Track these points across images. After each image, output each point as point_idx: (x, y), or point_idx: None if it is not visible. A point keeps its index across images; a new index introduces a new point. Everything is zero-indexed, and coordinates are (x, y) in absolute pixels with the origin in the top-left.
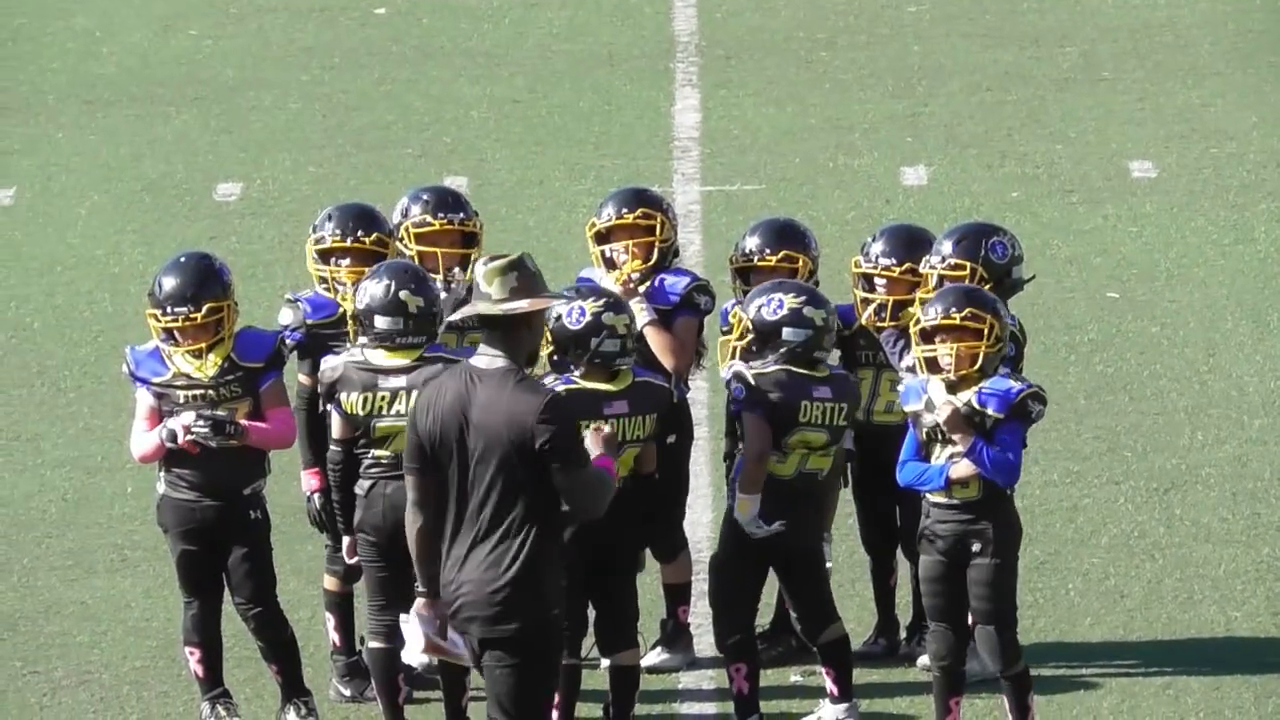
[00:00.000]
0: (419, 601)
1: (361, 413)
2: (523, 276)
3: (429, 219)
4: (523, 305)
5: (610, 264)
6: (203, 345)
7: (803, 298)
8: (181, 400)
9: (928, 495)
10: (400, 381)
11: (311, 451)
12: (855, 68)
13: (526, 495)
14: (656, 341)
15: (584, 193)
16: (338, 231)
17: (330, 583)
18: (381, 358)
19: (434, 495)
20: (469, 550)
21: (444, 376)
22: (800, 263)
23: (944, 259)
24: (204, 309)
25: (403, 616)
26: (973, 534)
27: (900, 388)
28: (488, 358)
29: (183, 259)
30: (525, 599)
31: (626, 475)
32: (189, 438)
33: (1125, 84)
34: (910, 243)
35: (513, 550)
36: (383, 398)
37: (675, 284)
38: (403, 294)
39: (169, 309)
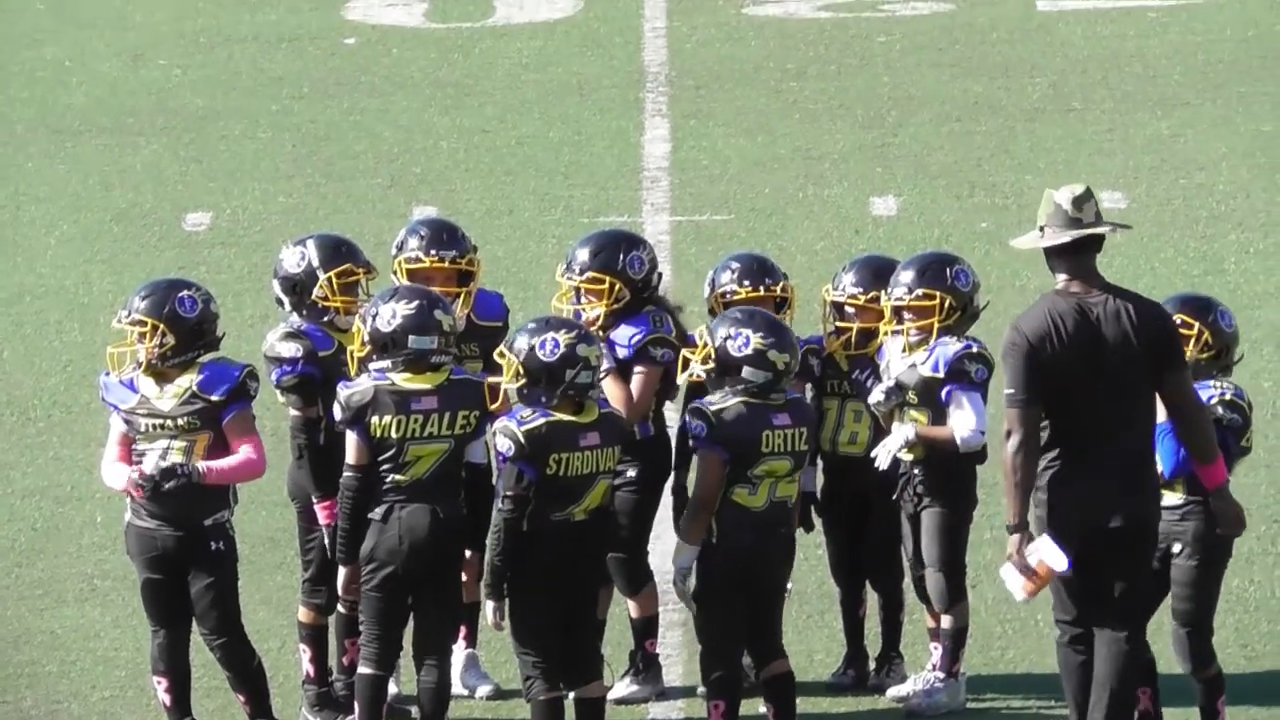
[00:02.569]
0: (1014, 539)
1: (395, 435)
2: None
3: (420, 255)
4: (1107, 228)
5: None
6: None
7: (770, 339)
8: (143, 429)
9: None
10: (432, 403)
11: (324, 484)
12: (825, 98)
13: (1150, 400)
14: (611, 392)
15: (553, 223)
16: (362, 263)
17: (306, 615)
18: (406, 381)
19: (1038, 427)
20: (1105, 462)
21: (1043, 307)
22: (791, 292)
23: (909, 290)
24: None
25: (1005, 568)
26: (1175, 535)
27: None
28: (1080, 283)
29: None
30: (1157, 495)
31: (596, 508)
32: (140, 485)
33: (1094, 115)
34: (879, 273)
35: (1146, 453)
36: (416, 420)
37: (631, 335)
38: (436, 312)
39: (128, 318)
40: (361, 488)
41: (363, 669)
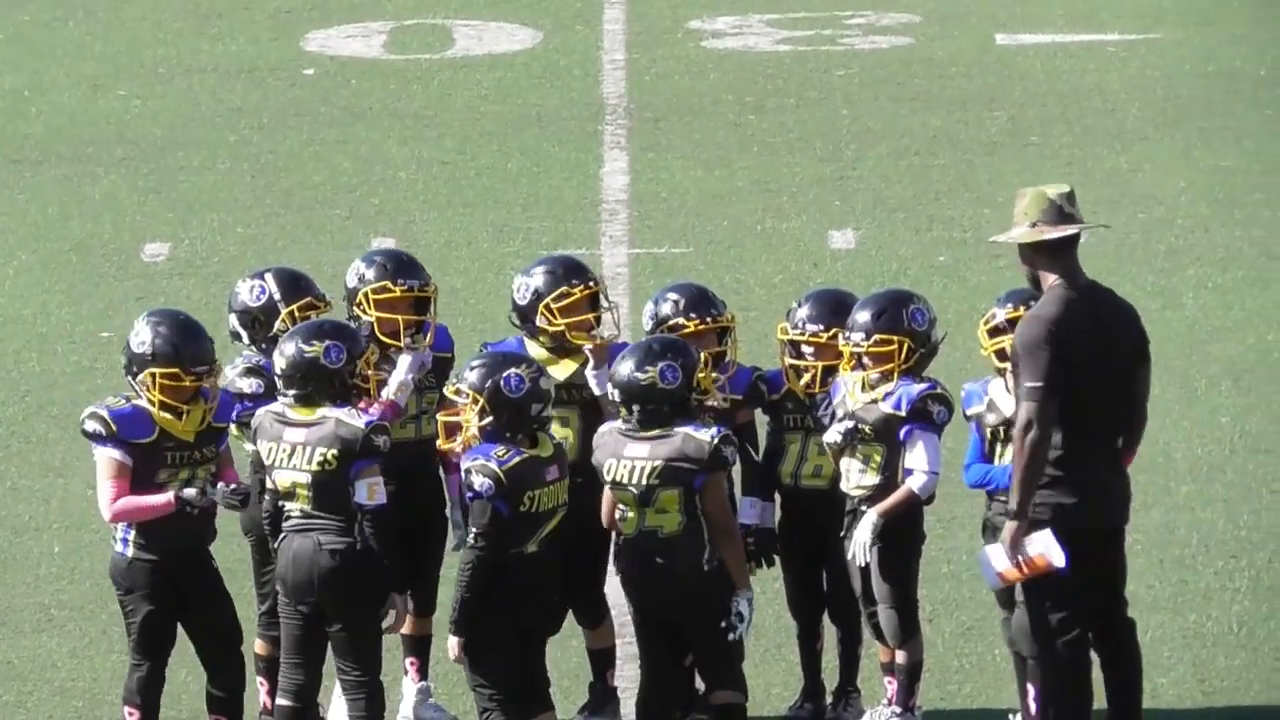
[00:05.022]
0: (1014, 526)
1: (267, 462)
2: None
3: (390, 285)
4: (1096, 226)
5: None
6: (185, 404)
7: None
8: (168, 460)
9: (990, 491)
10: (300, 435)
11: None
12: (783, 131)
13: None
14: (611, 408)
15: (512, 254)
16: (320, 295)
17: (262, 647)
18: (293, 411)
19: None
20: (1109, 459)
21: (1059, 298)
22: (732, 320)
23: (867, 334)
24: (214, 365)
25: (992, 549)
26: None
27: (835, 442)
28: (1072, 278)
29: (182, 318)
30: None
31: (545, 539)
32: (227, 503)
33: (1053, 149)
34: (836, 307)
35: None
36: (284, 449)
37: None
38: (306, 348)
39: (192, 369)
40: (274, 512)
41: (280, 700)
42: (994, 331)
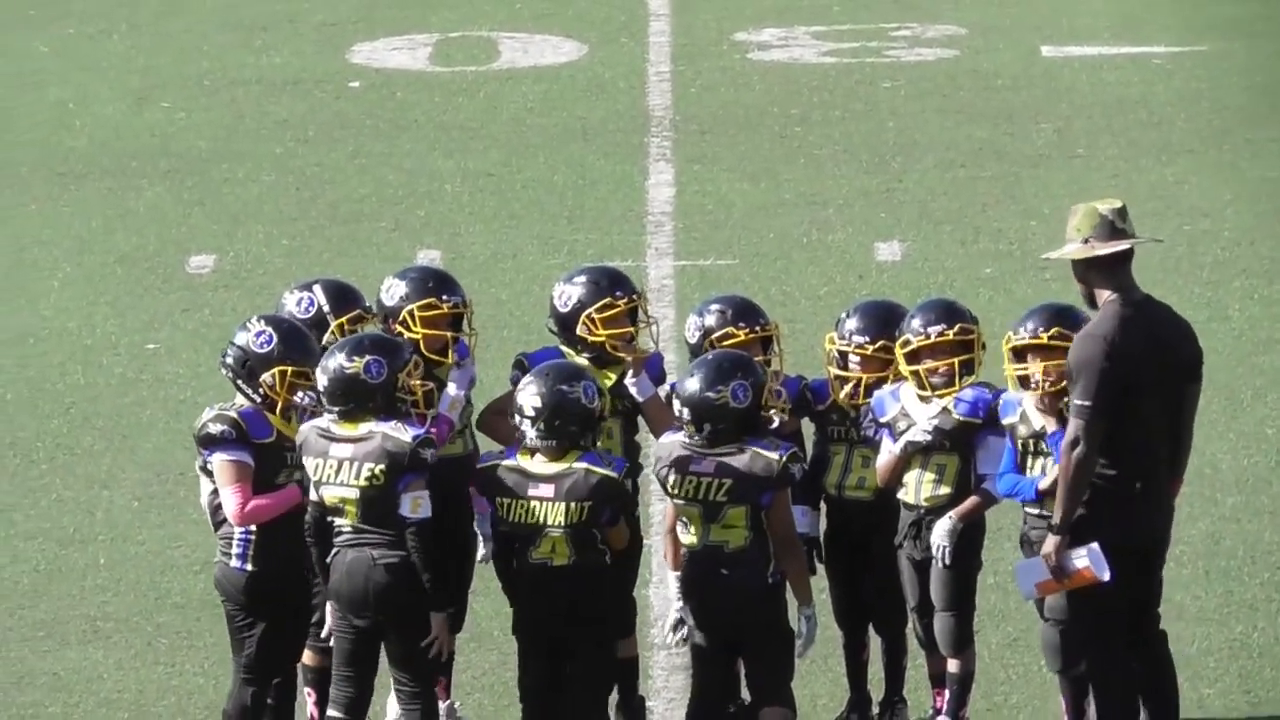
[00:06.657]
0: (1055, 540)
1: (314, 478)
2: None
3: (436, 301)
4: (1148, 239)
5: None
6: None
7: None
8: (288, 461)
9: (1024, 505)
10: (347, 451)
11: None
12: (829, 143)
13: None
14: (656, 415)
15: (557, 267)
16: (367, 307)
17: (311, 658)
18: (338, 427)
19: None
20: (1159, 476)
21: (1116, 316)
22: (776, 330)
23: (947, 326)
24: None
25: (1026, 562)
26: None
27: (880, 454)
28: (1127, 293)
29: (295, 324)
30: None
31: (579, 559)
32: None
33: (1099, 161)
34: (886, 319)
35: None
36: (331, 465)
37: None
38: (347, 364)
39: (314, 370)
40: (316, 523)
41: (331, 711)
42: (1017, 352)
